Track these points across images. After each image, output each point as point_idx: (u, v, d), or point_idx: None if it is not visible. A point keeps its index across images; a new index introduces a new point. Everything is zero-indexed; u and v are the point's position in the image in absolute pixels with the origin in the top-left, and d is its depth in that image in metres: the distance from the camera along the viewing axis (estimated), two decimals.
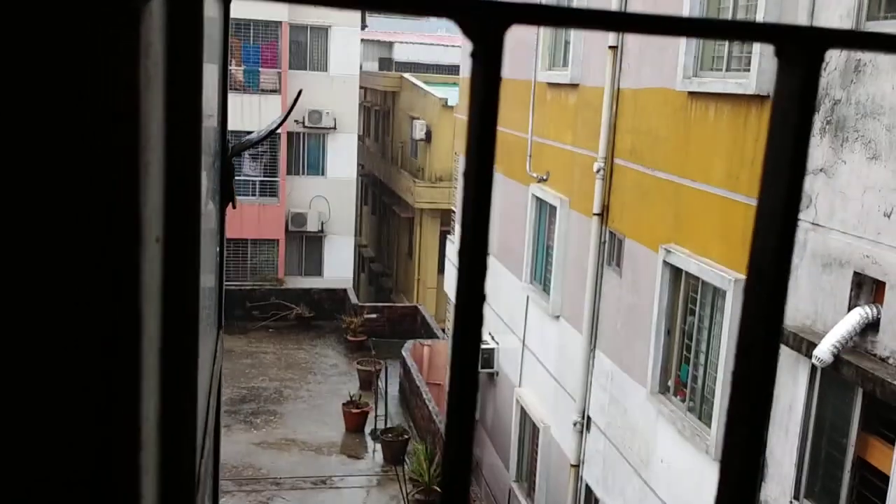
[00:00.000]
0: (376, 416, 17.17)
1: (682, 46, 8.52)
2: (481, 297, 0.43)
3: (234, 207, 1.71)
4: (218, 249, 1.60)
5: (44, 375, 0.45)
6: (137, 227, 0.43)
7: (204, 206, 1.28)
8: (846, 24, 6.25)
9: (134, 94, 0.41)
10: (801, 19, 6.70)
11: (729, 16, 8.03)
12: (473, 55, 0.41)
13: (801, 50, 0.42)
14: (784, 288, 0.45)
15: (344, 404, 17.47)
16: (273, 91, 24.87)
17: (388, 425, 16.89)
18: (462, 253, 0.41)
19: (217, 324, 1.62)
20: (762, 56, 7.21)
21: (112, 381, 0.47)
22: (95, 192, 0.42)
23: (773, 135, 0.44)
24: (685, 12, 8.44)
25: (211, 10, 1.24)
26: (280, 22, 25.05)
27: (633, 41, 9.87)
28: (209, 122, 1.30)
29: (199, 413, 1.00)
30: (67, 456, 0.49)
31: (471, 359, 0.46)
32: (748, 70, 7.53)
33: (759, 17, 7.24)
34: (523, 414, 13.10)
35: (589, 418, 10.81)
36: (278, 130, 24.79)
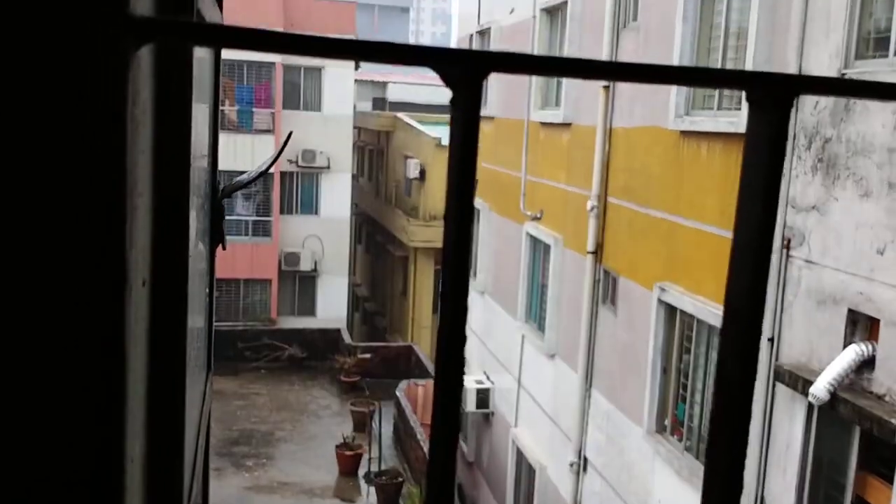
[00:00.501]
0: (370, 459, 16.97)
1: (674, 86, 8.63)
2: (462, 339, 0.43)
3: (223, 248, 1.72)
4: (207, 290, 1.59)
5: (25, 413, 0.45)
6: (124, 270, 0.44)
7: (193, 248, 1.28)
8: (835, 63, 6.35)
9: (121, 140, 0.42)
10: (791, 58, 6.80)
11: (719, 55, 8.15)
12: (452, 102, 0.42)
13: (772, 96, 0.43)
14: (758, 327, 0.45)
15: (337, 446, 17.28)
16: (267, 131, 25.03)
17: (383, 468, 16.69)
18: (444, 297, 0.41)
19: (206, 366, 1.61)
20: None
21: (95, 423, 0.47)
22: (81, 236, 0.42)
23: (745, 177, 0.45)
24: (676, 51, 8.57)
25: (201, 50, 1.26)
26: (274, 63, 25.31)
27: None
28: (200, 162, 1.31)
29: (187, 455, 0.99)
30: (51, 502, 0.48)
31: (454, 398, 0.47)
32: (739, 109, 7.62)
33: (749, 56, 7.35)
34: (519, 454, 12.97)
35: (586, 459, 10.72)
36: (271, 170, 24.90)
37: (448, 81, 0.42)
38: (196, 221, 1.30)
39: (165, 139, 0.62)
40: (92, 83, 0.41)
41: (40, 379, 0.44)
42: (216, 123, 1.75)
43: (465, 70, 0.40)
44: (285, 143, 2.98)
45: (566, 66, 0.42)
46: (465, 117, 0.41)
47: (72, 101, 0.41)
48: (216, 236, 1.61)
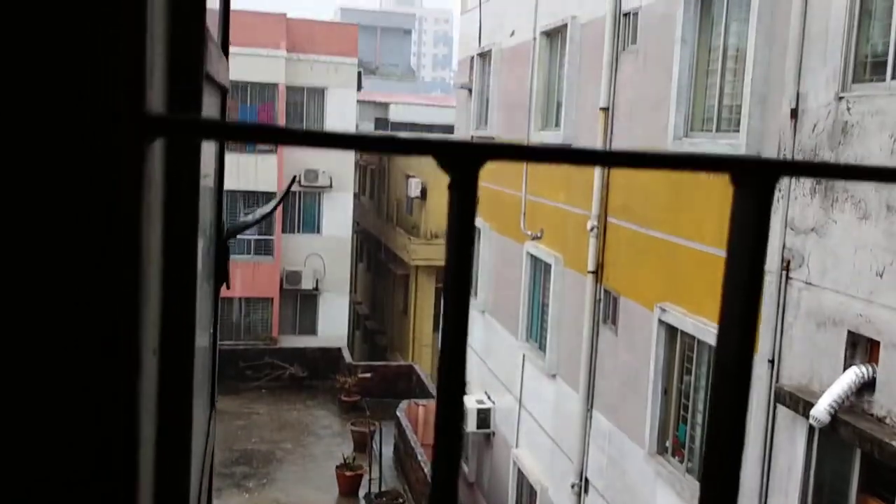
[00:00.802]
0: (370, 479, 16.89)
1: (673, 107, 8.68)
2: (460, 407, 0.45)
3: (227, 288, 1.74)
4: (212, 331, 1.62)
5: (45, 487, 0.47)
6: (137, 345, 0.46)
7: (199, 290, 1.31)
8: (832, 86, 6.39)
9: (136, 227, 0.44)
10: (788, 81, 6.85)
11: (717, 77, 8.20)
12: (450, 187, 0.44)
13: (754, 179, 0.45)
14: (745, 401, 0.47)
15: (337, 467, 17.21)
16: (269, 151, 25.13)
17: (383, 488, 16.61)
18: (440, 374, 0.43)
19: (210, 404, 1.63)
20: (751, 117, 7.36)
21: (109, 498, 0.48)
22: (97, 313, 0.45)
23: (731, 255, 0.47)
24: (675, 73, 8.63)
25: (209, 99, 1.29)
26: (277, 84, 25.45)
27: (624, 102, 10.05)
28: (205, 206, 1.34)
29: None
30: None
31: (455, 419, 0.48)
32: (738, 131, 7.66)
33: (748, 79, 7.40)
34: (520, 475, 12.92)
35: (587, 480, 10.67)
36: (273, 189, 24.98)
37: (447, 169, 0.44)
38: (202, 264, 1.33)
39: (175, 216, 0.65)
40: (109, 177, 0.44)
41: (57, 459, 0.46)
42: (222, 160, 1.78)
43: (463, 159, 0.43)
44: (290, 185, 3.02)
45: (560, 154, 0.44)
46: (462, 202, 0.43)
47: (90, 194, 0.44)
48: (221, 276, 1.63)
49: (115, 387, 0.46)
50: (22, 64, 0.42)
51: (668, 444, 8.88)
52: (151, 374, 0.57)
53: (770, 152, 7.09)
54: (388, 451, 18.50)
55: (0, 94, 0.43)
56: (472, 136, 15.16)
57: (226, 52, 1.67)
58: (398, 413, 18.67)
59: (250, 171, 24.64)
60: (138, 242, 0.44)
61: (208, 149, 1.40)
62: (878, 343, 5.81)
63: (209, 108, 1.27)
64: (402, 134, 0.41)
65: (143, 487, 0.50)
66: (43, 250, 0.44)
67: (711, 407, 0.48)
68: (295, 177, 3.74)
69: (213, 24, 1.47)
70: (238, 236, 26.80)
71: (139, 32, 0.44)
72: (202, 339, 1.34)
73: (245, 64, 24.49)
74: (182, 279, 0.69)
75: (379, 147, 0.42)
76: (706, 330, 7.87)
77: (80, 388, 0.45)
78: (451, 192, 0.44)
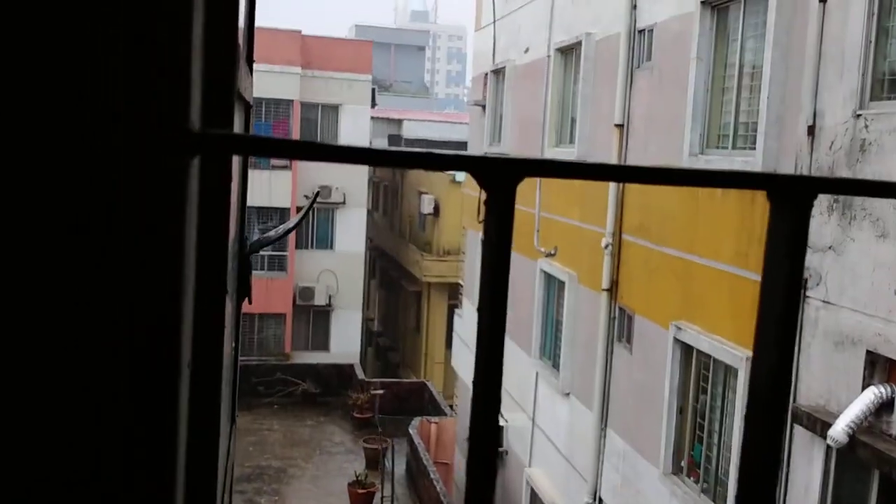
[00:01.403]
0: (383, 497, 16.82)
1: (688, 124, 8.67)
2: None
3: (250, 303, 1.75)
4: (234, 345, 1.62)
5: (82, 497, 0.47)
6: (178, 362, 0.46)
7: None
8: (850, 104, 6.36)
9: (180, 241, 0.45)
10: (805, 99, 6.82)
11: (733, 94, 8.19)
12: (486, 203, 0.44)
13: (791, 197, 0.45)
14: (782, 421, 0.46)
15: (349, 484, 17.15)
16: (283, 168, 25.26)
17: None
18: (474, 401, 0.43)
19: (231, 419, 1.63)
20: (767, 135, 7.33)
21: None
22: (141, 325, 0.45)
23: (767, 272, 0.46)
24: (690, 91, 8.62)
25: (237, 115, 1.30)
26: (291, 100, 25.61)
27: (638, 119, 10.05)
28: (230, 222, 1.35)
29: None
30: None
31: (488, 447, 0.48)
32: (754, 148, 7.64)
33: (764, 96, 7.38)
34: (533, 495, 12.82)
35: (601, 500, 10.58)
36: (287, 205, 25.08)
37: (483, 184, 0.44)
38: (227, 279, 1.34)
39: (207, 231, 0.65)
40: (155, 192, 0.44)
41: (99, 468, 0.46)
42: (245, 176, 1.79)
43: (500, 175, 0.42)
44: (313, 200, 3.03)
45: (597, 170, 0.44)
46: (499, 219, 0.43)
47: (136, 208, 0.44)
48: (243, 291, 1.64)
49: (158, 399, 0.46)
50: (70, 83, 0.43)
51: (683, 463, 8.79)
52: (185, 387, 0.57)
53: (787, 170, 7.06)
54: (400, 468, 18.43)
55: (45, 110, 0.43)
56: (486, 153, 15.17)
57: (250, 68, 1.68)
58: (410, 430, 18.60)
59: (265, 187, 24.76)
60: (181, 257, 0.45)
61: (233, 165, 1.41)
62: None
63: (237, 123, 1.28)
64: (440, 151, 0.41)
65: (177, 500, 0.50)
66: (92, 265, 0.44)
67: (744, 439, 0.47)
68: (318, 191, 3.76)
69: (239, 39, 1.48)
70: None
71: (185, 49, 0.45)
72: (226, 355, 1.35)
73: (260, 80, 24.65)
74: (213, 294, 0.69)
75: (418, 163, 0.42)
76: (722, 349, 7.81)
77: (119, 400, 0.45)
78: (488, 208, 0.44)
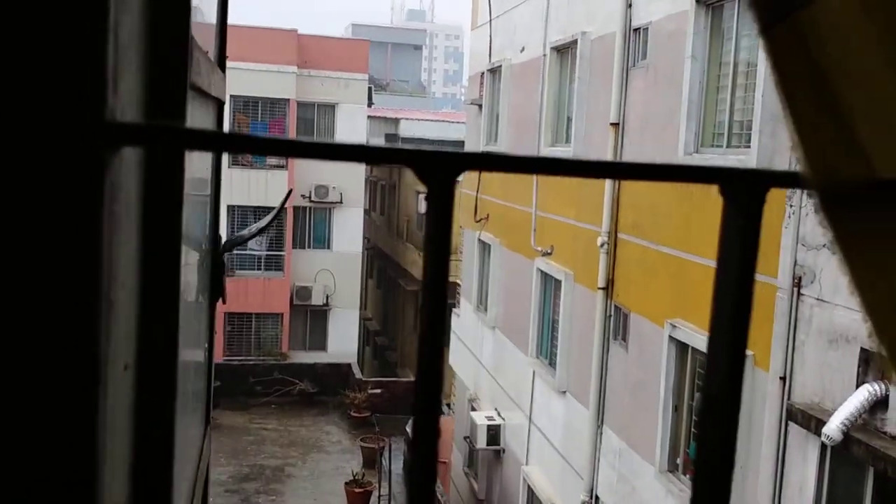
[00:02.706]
0: (380, 496, 16.82)
1: (683, 123, 8.66)
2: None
3: (223, 303, 1.73)
4: (207, 345, 1.60)
5: None
6: (95, 361, 0.45)
7: (194, 302, 1.30)
8: None
9: (95, 239, 0.43)
10: None
11: (728, 93, 8.18)
12: (427, 198, 0.43)
13: (743, 191, 0.44)
14: (736, 411, 0.45)
15: (347, 483, 17.15)
16: (280, 167, 25.23)
17: None
18: (416, 394, 0.42)
19: (205, 420, 1.61)
20: (762, 133, 7.32)
21: None
22: (54, 331, 0.43)
23: (720, 270, 0.45)
24: (685, 89, 8.61)
25: (201, 111, 1.28)
26: (288, 99, 25.58)
27: (634, 118, 10.04)
28: (200, 219, 1.33)
29: None
30: None
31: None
32: (749, 147, 7.63)
33: (758, 97, 7.37)
34: (530, 492, 12.82)
35: (597, 497, 10.58)
36: (285, 205, 25.04)
37: (423, 179, 0.43)
38: (197, 278, 1.32)
39: (156, 227, 0.64)
40: (64, 188, 0.43)
41: (13, 473, 0.44)
42: (219, 174, 1.78)
43: (439, 169, 0.41)
44: (285, 199, 3.02)
45: (537, 164, 0.42)
46: (438, 211, 0.42)
47: (45, 201, 0.43)
48: (217, 291, 1.62)
49: (74, 402, 0.44)
50: None
51: (678, 461, 8.79)
52: (123, 389, 0.55)
53: (781, 168, 7.06)
54: (397, 467, 18.42)
55: None
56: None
57: (222, 67, 1.66)
58: (407, 429, 18.59)
59: (261, 186, 24.74)
60: (97, 252, 0.43)
61: (203, 162, 1.40)
62: None
63: (202, 119, 1.27)
64: (375, 143, 0.40)
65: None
66: None
67: (699, 438, 0.46)
68: (290, 190, 3.75)
69: (208, 38, 1.46)
70: (248, 252, 26.88)
71: (100, 39, 0.43)
72: (194, 355, 1.33)
73: (256, 79, 24.66)
74: (163, 293, 0.68)
75: (352, 156, 0.41)
76: None
77: (36, 403, 0.44)
78: (428, 202, 0.43)
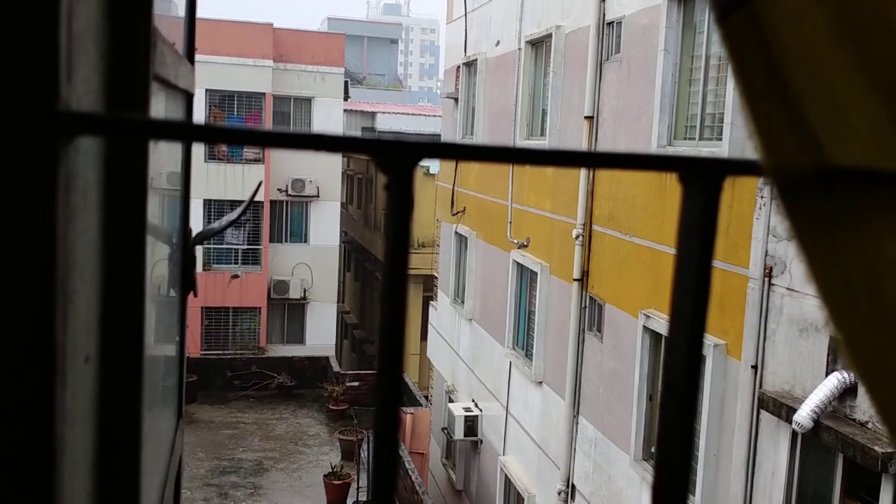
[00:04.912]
0: (358, 488, 16.83)
1: (657, 116, 8.72)
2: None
3: (195, 296, 1.72)
4: (178, 338, 1.59)
5: None
6: (51, 352, 0.44)
7: (164, 295, 1.29)
8: None
9: (49, 231, 0.43)
10: None
11: (700, 86, 8.25)
12: (386, 187, 0.43)
13: (701, 178, 0.44)
14: (694, 400, 0.46)
15: (325, 476, 17.14)
16: (256, 160, 25.08)
17: (371, 497, 16.52)
18: (378, 376, 0.42)
19: (177, 414, 1.60)
20: (734, 125, 7.39)
21: None
22: (3, 321, 0.43)
23: (679, 257, 0.46)
24: (658, 82, 8.67)
25: (167, 103, 1.27)
26: (264, 93, 25.41)
27: (608, 111, 10.09)
28: (169, 212, 1.32)
29: None
30: None
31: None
32: (720, 139, 7.70)
33: (730, 90, 7.44)
34: (508, 483, 12.89)
35: (573, 486, 10.66)
36: (261, 199, 24.91)
37: (382, 168, 0.43)
38: (167, 271, 1.31)
39: (118, 219, 0.63)
40: (15, 177, 0.42)
41: None
42: (189, 166, 1.76)
43: (397, 159, 0.42)
44: (255, 191, 3.01)
45: (496, 153, 0.43)
46: (398, 201, 0.42)
47: None
48: (187, 284, 1.61)
49: (29, 391, 0.44)
50: None
51: (653, 449, 8.86)
52: (84, 381, 0.55)
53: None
54: None
55: None
56: None
57: (191, 59, 1.65)
58: None
59: (237, 180, 24.58)
60: (51, 241, 0.43)
61: (172, 154, 1.38)
62: None
63: (169, 111, 1.25)
64: (333, 132, 0.40)
65: (75, 499, 0.48)
66: None
67: (660, 425, 0.47)
68: (260, 183, 3.74)
69: (176, 31, 1.45)
70: (225, 246, 26.66)
71: (50, 27, 0.43)
72: (165, 349, 1.32)
73: (232, 73, 24.46)
74: (127, 285, 0.67)
75: (313, 146, 0.41)
76: None
77: None
78: (388, 193, 0.43)
